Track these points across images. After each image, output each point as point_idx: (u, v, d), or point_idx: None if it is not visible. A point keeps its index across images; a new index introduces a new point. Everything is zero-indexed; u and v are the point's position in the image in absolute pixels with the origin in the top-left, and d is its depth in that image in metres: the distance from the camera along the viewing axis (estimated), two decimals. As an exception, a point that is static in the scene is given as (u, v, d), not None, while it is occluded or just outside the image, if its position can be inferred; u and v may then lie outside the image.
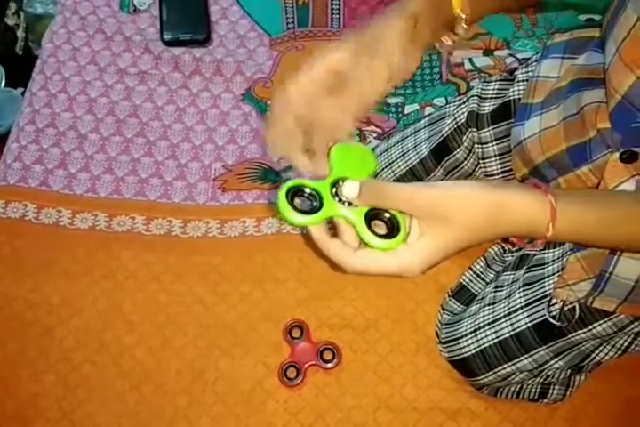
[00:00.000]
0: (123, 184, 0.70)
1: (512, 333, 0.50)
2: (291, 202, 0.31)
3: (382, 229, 0.32)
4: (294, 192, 0.32)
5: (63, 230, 0.67)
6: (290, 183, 0.32)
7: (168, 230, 0.67)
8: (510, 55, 0.75)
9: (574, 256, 0.45)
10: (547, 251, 0.51)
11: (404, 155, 0.60)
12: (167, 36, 0.77)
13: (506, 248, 0.61)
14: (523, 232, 0.32)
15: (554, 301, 0.47)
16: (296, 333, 0.60)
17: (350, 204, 0.32)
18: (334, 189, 0.33)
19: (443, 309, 0.59)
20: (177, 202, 0.69)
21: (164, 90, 0.76)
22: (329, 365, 0.59)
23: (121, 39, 0.79)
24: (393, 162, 0.61)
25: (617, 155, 0.39)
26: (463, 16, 0.36)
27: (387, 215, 0.32)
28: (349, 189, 0.32)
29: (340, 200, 0.32)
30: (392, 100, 0.73)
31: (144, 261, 0.65)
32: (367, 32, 0.34)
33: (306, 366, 0.59)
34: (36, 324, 0.62)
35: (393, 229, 0.32)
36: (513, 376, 0.51)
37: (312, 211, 0.32)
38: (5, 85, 0.83)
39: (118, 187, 0.70)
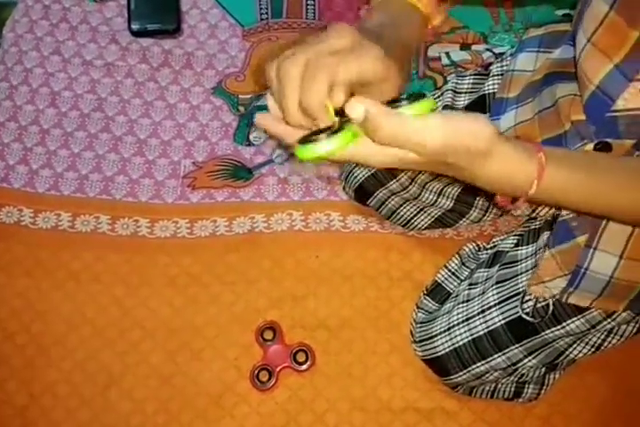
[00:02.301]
0: (87, 182, 0.67)
1: (486, 330, 0.49)
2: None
3: None
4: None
5: (24, 230, 0.64)
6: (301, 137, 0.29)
7: (134, 231, 0.65)
8: (487, 50, 0.74)
9: (549, 252, 0.45)
10: (520, 248, 0.51)
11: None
12: (135, 26, 0.74)
13: (480, 246, 0.60)
14: (504, 183, 0.31)
15: (527, 297, 0.47)
16: (268, 335, 0.59)
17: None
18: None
19: (418, 307, 0.59)
20: (144, 201, 0.66)
21: (130, 82, 0.73)
22: (302, 367, 0.57)
23: (86, 29, 0.75)
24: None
25: (591, 146, 0.39)
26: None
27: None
28: (355, 109, 0.28)
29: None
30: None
31: (109, 262, 0.63)
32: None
33: (279, 368, 0.57)
34: (-6, 329, 0.60)
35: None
36: (487, 375, 0.51)
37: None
38: (-37, 77, 0.79)
39: (82, 185, 0.67)
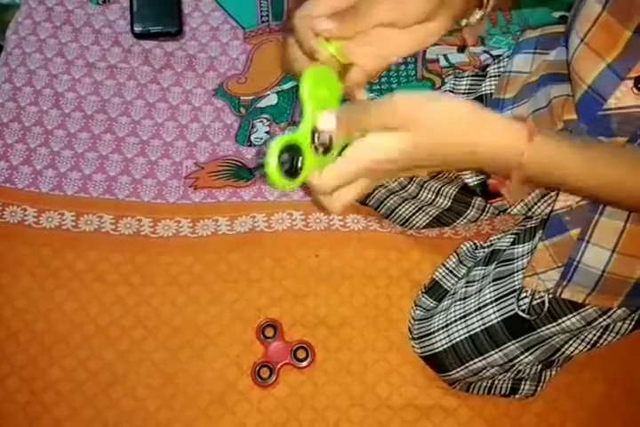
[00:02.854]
0: (90, 182, 0.68)
1: (482, 327, 0.50)
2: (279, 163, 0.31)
3: None
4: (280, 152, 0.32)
5: (28, 230, 0.65)
6: (277, 146, 0.31)
7: (137, 230, 0.66)
8: (485, 52, 0.75)
9: (542, 244, 0.45)
10: (516, 246, 0.51)
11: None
12: (138, 29, 0.75)
13: (477, 244, 0.61)
14: (497, 151, 0.31)
15: (523, 295, 0.48)
16: (269, 332, 0.59)
17: (327, 151, 0.32)
18: (316, 135, 0.32)
19: (415, 305, 0.59)
20: (147, 200, 0.67)
21: (133, 84, 0.74)
22: (303, 364, 0.58)
23: (89, 31, 0.76)
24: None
25: None
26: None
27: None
28: (326, 123, 0.32)
29: (316, 149, 0.32)
30: (367, 96, 0.73)
31: (112, 261, 0.64)
32: None
33: (279, 365, 0.58)
34: (-1, 328, 0.60)
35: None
36: (484, 371, 0.52)
37: (295, 169, 0.32)
38: (-33, 79, 0.80)
39: (85, 185, 0.68)
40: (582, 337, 0.49)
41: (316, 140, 0.32)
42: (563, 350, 0.49)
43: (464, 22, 0.36)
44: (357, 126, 0.31)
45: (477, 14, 0.36)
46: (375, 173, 0.32)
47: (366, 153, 0.31)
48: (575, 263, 0.44)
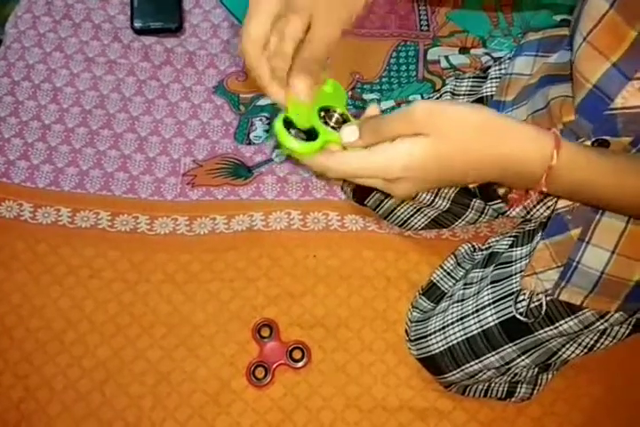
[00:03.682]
0: (87, 178, 0.67)
1: (479, 330, 0.50)
2: (288, 132, 0.32)
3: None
4: (288, 123, 0.32)
5: (24, 225, 0.65)
6: (284, 114, 0.32)
7: (134, 227, 0.65)
8: (486, 54, 0.75)
9: (543, 243, 0.45)
10: (515, 249, 0.51)
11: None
12: (138, 24, 0.74)
13: (475, 247, 0.61)
14: (521, 161, 0.31)
15: (521, 297, 0.48)
16: (265, 332, 0.59)
17: (338, 127, 0.33)
18: (322, 114, 0.33)
19: (413, 306, 0.59)
20: (144, 197, 0.67)
21: (132, 80, 0.73)
22: (298, 364, 0.58)
23: (89, 26, 0.76)
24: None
25: (589, 144, 0.39)
26: None
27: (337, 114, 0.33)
28: (349, 134, 0.32)
29: (332, 127, 0.33)
30: (368, 97, 0.73)
31: (108, 258, 0.63)
32: None
33: (275, 365, 0.58)
34: (-8, 323, 0.60)
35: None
36: (480, 374, 0.52)
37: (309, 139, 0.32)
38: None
39: (82, 181, 0.67)
40: (579, 341, 0.49)
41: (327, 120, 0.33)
42: (559, 353, 0.49)
43: None
44: (380, 136, 0.31)
45: None
46: (397, 182, 0.31)
47: (387, 158, 0.31)
48: (575, 264, 0.43)
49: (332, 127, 0.33)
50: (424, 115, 0.30)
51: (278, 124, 0.32)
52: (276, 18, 0.32)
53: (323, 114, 0.33)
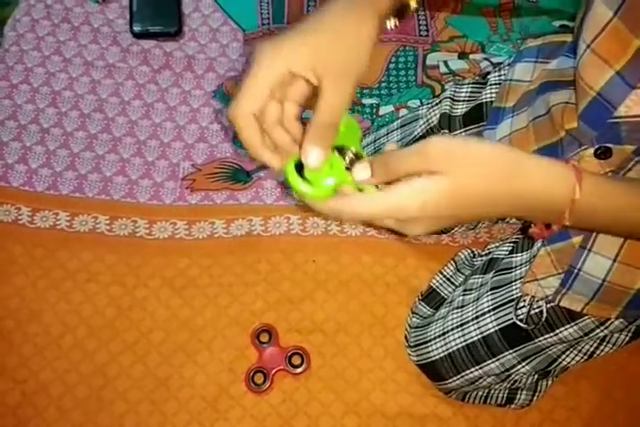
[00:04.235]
0: (86, 182, 0.67)
1: (479, 336, 0.50)
2: (299, 174, 0.31)
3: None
4: (299, 166, 0.32)
5: (22, 229, 0.64)
6: (295, 157, 0.32)
7: (132, 231, 0.65)
8: (485, 59, 0.75)
9: (544, 250, 0.45)
10: (515, 255, 0.51)
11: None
12: (137, 28, 0.74)
13: (475, 252, 0.61)
14: (545, 200, 0.30)
15: (521, 304, 0.47)
16: (264, 337, 0.59)
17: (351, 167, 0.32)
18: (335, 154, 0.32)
19: (412, 312, 0.59)
20: (142, 202, 0.66)
21: (131, 84, 0.73)
22: (297, 370, 0.58)
23: (88, 30, 0.76)
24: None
25: (592, 151, 0.39)
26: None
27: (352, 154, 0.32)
28: (361, 172, 0.31)
29: (346, 167, 0.32)
30: (367, 101, 0.72)
31: (106, 262, 0.63)
32: (322, 28, 0.32)
33: (274, 371, 0.58)
34: (-10, 328, 0.60)
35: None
36: (480, 380, 0.52)
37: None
38: (-37, 75, 0.79)
39: (81, 184, 0.67)
40: (579, 348, 0.49)
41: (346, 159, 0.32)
42: (559, 360, 0.49)
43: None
44: (393, 174, 0.30)
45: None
46: (411, 222, 0.31)
47: (402, 199, 0.30)
48: (576, 271, 0.43)
49: (346, 168, 0.32)
50: (439, 153, 0.29)
51: (289, 167, 0.31)
52: (275, 83, 0.31)
53: (336, 154, 0.32)
